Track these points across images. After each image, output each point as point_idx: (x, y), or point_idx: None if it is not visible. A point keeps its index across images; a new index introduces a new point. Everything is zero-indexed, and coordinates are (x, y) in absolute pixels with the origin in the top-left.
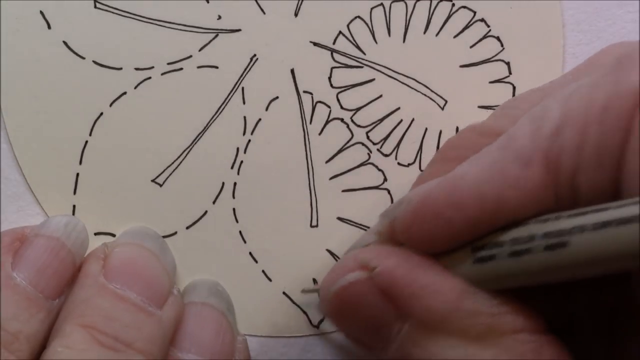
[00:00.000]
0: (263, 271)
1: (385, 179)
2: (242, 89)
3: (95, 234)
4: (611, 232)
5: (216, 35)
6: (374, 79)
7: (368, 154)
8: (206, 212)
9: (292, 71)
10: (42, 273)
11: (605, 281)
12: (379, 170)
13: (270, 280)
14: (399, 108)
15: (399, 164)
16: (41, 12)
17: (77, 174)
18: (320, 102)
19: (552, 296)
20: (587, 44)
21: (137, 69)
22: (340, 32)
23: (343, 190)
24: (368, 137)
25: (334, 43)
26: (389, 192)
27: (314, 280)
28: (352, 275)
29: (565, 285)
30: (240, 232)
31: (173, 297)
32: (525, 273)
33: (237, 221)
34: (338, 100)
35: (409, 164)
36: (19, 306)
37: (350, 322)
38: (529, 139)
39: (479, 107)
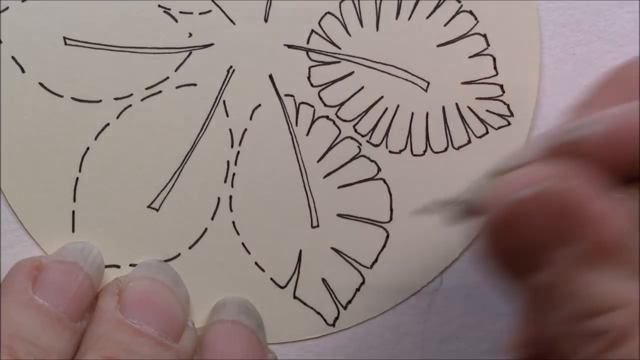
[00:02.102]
0: (271, 279)
1: (379, 169)
2: (224, 102)
3: None
4: None
5: (190, 53)
6: (353, 72)
7: (358, 147)
8: (206, 229)
9: (271, 76)
10: (63, 295)
11: None
12: (372, 161)
13: (280, 287)
14: (382, 97)
15: (390, 152)
16: (13, 58)
17: (73, 212)
18: (303, 103)
19: None
20: (587, 44)
21: (116, 98)
22: (312, 31)
23: (339, 187)
24: (356, 130)
25: (308, 42)
26: (384, 181)
27: (324, 280)
28: (530, 188)
29: None
30: (242, 243)
31: (189, 330)
32: None
33: (238, 233)
34: (320, 98)
35: (401, 151)
36: (44, 324)
37: (511, 241)
38: None
39: (462, 83)
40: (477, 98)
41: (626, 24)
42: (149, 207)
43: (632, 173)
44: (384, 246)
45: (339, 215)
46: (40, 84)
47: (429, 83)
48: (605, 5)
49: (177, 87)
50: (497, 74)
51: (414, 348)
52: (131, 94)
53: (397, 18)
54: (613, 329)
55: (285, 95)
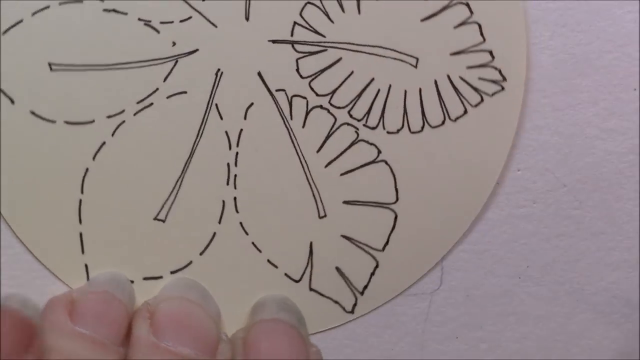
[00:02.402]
0: (286, 274)
1: (379, 152)
2: (216, 105)
3: None
4: None
5: (176, 62)
6: (340, 58)
7: (355, 132)
8: (215, 233)
9: (260, 74)
10: (101, 322)
11: None
12: (371, 144)
13: (295, 281)
14: (373, 79)
15: (388, 132)
16: (1, 90)
17: (80, 234)
18: (295, 95)
19: None
20: (587, 44)
21: (109, 116)
22: (295, 23)
23: (341, 174)
24: (351, 116)
25: (292, 35)
26: (386, 162)
27: (337, 269)
28: None
29: None
30: (252, 243)
31: (223, 343)
32: None
33: (247, 234)
34: (312, 88)
35: (398, 130)
36: (94, 350)
37: None
38: None
39: (451, 54)
40: (468, 67)
41: (626, 24)
42: (155, 219)
43: None
44: (393, 227)
45: (345, 202)
46: (32, 112)
47: (417, 59)
48: (605, 5)
49: (167, 97)
50: (484, 40)
51: (414, 348)
52: (123, 110)
53: None
54: None
55: (277, 90)
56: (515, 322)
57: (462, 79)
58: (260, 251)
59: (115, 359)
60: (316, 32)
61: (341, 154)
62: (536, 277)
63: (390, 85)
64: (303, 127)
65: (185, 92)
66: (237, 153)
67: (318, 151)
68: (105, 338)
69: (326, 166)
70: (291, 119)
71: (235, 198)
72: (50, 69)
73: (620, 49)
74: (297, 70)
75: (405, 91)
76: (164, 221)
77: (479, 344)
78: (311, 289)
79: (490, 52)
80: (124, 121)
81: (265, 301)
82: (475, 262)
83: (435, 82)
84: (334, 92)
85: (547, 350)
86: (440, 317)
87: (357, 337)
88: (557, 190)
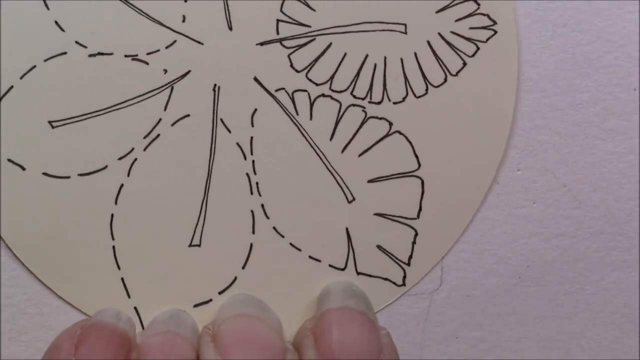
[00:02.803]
0: (330, 265)
1: (390, 124)
2: (221, 120)
3: None
4: None
5: (172, 88)
6: (330, 44)
7: (363, 110)
8: (251, 244)
9: (256, 78)
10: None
11: None
12: (381, 119)
13: (341, 269)
14: (367, 55)
15: (394, 103)
16: (10, 160)
17: (122, 279)
18: (295, 91)
19: None
20: (587, 44)
21: (120, 158)
22: (278, 20)
23: (359, 155)
24: (354, 96)
25: (278, 33)
26: (399, 132)
27: (379, 247)
28: None
29: None
30: (290, 244)
31: (290, 352)
32: None
33: (282, 236)
34: (310, 80)
35: (404, 98)
36: None
37: None
38: None
39: (437, 12)
40: (456, 20)
41: (626, 24)
42: (190, 245)
43: None
44: (422, 192)
45: (370, 181)
46: (44, 173)
47: (405, 25)
48: (605, 5)
49: (172, 125)
50: None
51: (414, 348)
52: (132, 149)
53: None
54: None
55: (276, 90)
56: (515, 322)
57: (453, 33)
58: (299, 250)
59: None
60: (300, 24)
61: (354, 135)
62: (536, 277)
63: (385, 57)
64: (311, 119)
65: (189, 115)
66: (253, 161)
67: (331, 139)
68: None
69: (343, 151)
70: (297, 114)
71: (262, 205)
72: (52, 127)
73: (620, 49)
74: (291, 65)
75: (402, 59)
76: (199, 246)
77: (479, 344)
78: (358, 273)
79: (475, 0)
80: (136, 159)
81: (330, 289)
82: (475, 262)
83: (428, 42)
84: (332, 77)
85: (547, 350)
86: (440, 317)
87: None
88: (557, 190)
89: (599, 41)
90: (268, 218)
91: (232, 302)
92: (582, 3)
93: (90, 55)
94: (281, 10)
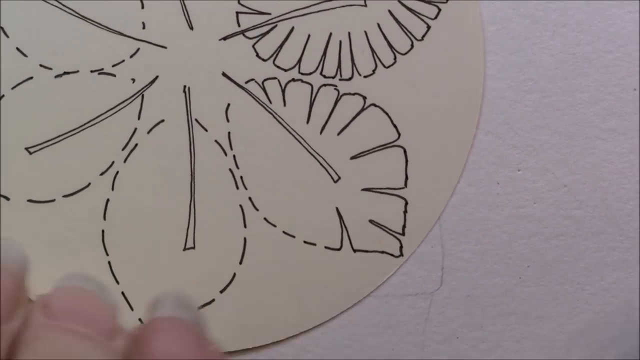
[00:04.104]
0: (326, 247)
1: (364, 98)
2: (196, 120)
3: None
4: None
5: (142, 96)
6: (293, 28)
7: (335, 89)
8: (245, 239)
9: (224, 74)
10: None
11: None
12: (354, 94)
13: (337, 249)
14: (331, 34)
15: (365, 77)
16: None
17: (123, 293)
18: (265, 80)
19: None
20: (587, 44)
21: (101, 173)
22: (237, 13)
23: (338, 134)
24: (324, 76)
25: (239, 25)
26: (375, 105)
27: (371, 222)
28: None
29: None
30: (283, 231)
31: (121, 336)
32: None
33: (274, 226)
34: (277, 66)
35: (374, 70)
36: None
37: None
38: None
39: None
40: None
41: (626, 24)
42: (185, 249)
43: None
44: (406, 161)
45: (352, 157)
46: (29, 200)
47: None
48: (605, 5)
49: (148, 132)
50: None
51: (414, 348)
52: (112, 162)
53: None
54: None
55: (246, 82)
56: (515, 322)
57: None
58: (293, 237)
59: None
60: (260, 12)
61: (330, 115)
62: (536, 277)
63: (349, 33)
64: (284, 105)
65: (163, 120)
66: (234, 156)
67: (308, 122)
68: None
69: (321, 132)
70: (270, 103)
71: (250, 198)
72: (30, 153)
73: (620, 49)
74: (257, 55)
75: (366, 32)
76: (194, 248)
77: (479, 344)
78: (355, 250)
79: None
80: (117, 172)
81: (160, 298)
82: (476, 262)
83: (390, 11)
84: (299, 61)
85: (547, 350)
86: (440, 317)
87: (357, 337)
88: (557, 190)
89: (599, 41)
90: (257, 210)
91: (71, 276)
92: (582, 3)
93: (56, 76)
94: (239, 2)
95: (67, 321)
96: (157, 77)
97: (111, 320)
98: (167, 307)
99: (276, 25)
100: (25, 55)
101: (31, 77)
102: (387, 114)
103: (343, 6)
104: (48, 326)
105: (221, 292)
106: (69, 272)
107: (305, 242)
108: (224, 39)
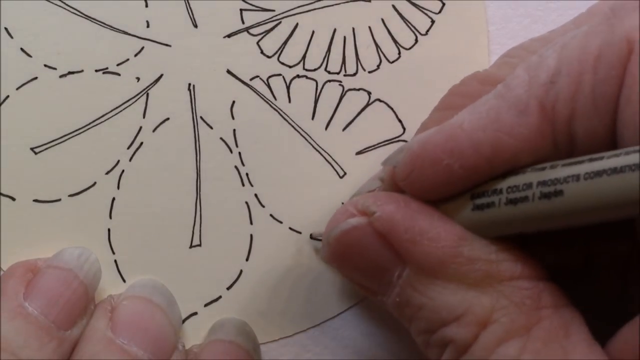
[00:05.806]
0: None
1: (369, 93)
2: (201, 118)
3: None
4: (604, 181)
5: (147, 95)
6: (297, 24)
7: (340, 85)
8: (252, 235)
9: (229, 71)
10: (54, 303)
11: (618, 229)
12: (359, 90)
13: None
14: (335, 29)
15: (369, 72)
16: (1, 194)
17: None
18: (270, 76)
19: (557, 244)
20: None
21: (107, 172)
22: (241, 10)
23: (343, 129)
24: (329, 72)
25: (243, 22)
26: (380, 100)
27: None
28: (352, 220)
29: (574, 232)
30: (290, 228)
31: (178, 352)
32: (522, 221)
33: (280, 222)
34: (282, 63)
35: (378, 65)
36: (30, 335)
37: (351, 268)
38: (525, 88)
39: None
40: None
41: None
42: (191, 247)
43: (444, 193)
44: None
45: (358, 153)
46: (35, 200)
47: None
48: None
49: (153, 131)
50: None
51: (414, 348)
52: (118, 161)
53: None
54: (456, 339)
55: (251, 79)
56: None
57: None
58: (299, 233)
59: (52, 347)
60: (264, 9)
61: (335, 110)
62: None
63: (353, 28)
64: (289, 102)
65: (168, 119)
66: (239, 153)
67: (313, 118)
68: (53, 321)
69: (326, 128)
70: (275, 99)
71: (256, 195)
72: (35, 153)
73: None
74: (262, 52)
75: (370, 27)
76: (200, 245)
77: None
78: None
79: None
80: (123, 170)
81: (223, 322)
82: None
83: (394, 6)
84: (304, 57)
85: None
86: None
87: (357, 337)
88: None
89: None
90: (263, 207)
91: (145, 284)
92: (582, 3)
93: (61, 76)
94: (243, 0)
95: (129, 340)
96: (161, 75)
97: (172, 340)
98: (228, 331)
99: (280, 22)
100: (29, 56)
101: (36, 78)
102: (392, 109)
103: (347, 2)
104: (110, 344)
105: (228, 289)
106: (141, 279)
107: (311, 235)
108: (228, 36)
